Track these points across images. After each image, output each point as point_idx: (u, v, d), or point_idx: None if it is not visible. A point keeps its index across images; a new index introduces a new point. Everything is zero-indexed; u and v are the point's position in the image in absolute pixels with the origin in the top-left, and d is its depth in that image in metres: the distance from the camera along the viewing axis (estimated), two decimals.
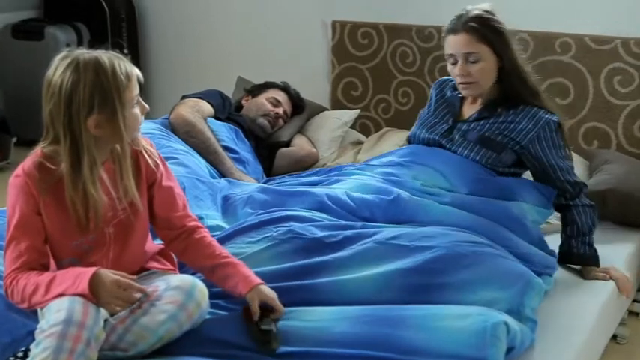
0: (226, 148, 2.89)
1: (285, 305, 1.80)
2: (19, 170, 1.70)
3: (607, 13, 3.25)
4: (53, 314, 1.56)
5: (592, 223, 2.32)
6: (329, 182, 2.45)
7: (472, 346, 1.68)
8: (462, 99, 2.42)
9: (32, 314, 1.72)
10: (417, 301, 1.84)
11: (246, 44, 4.24)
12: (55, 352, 1.52)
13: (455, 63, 2.29)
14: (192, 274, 1.87)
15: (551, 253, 2.26)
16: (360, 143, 3.50)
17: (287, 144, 3.27)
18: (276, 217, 2.15)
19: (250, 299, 1.76)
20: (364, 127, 3.79)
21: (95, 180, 1.68)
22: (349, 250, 2.00)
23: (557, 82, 3.27)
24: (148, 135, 2.22)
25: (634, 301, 2.68)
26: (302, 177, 2.67)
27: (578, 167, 2.60)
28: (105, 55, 1.67)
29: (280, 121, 3.28)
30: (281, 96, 3.32)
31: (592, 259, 2.32)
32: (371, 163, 2.54)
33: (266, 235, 2.08)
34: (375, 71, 3.75)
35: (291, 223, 2.11)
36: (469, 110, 2.39)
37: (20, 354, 1.66)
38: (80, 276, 1.60)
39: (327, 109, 3.71)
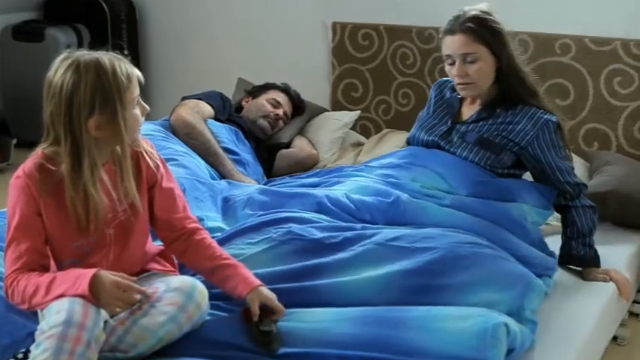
0: (226, 150, 2.89)
1: (285, 307, 1.80)
2: (19, 171, 1.70)
3: (607, 14, 3.25)
4: (53, 316, 1.56)
5: (592, 224, 2.32)
6: (329, 184, 2.45)
7: (472, 348, 1.68)
8: (461, 100, 2.42)
9: (32, 316, 1.72)
10: (417, 303, 1.84)
11: (246, 45, 4.24)
12: (55, 353, 1.51)
13: (452, 64, 2.29)
14: (193, 275, 1.87)
15: (551, 254, 2.26)
16: (360, 144, 3.50)
17: (287, 145, 3.27)
18: (275, 219, 2.15)
19: (250, 301, 1.76)
20: (364, 128, 3.79)
21: (96, 181, 1.69)
22: (349, 251, 2.00)
23: (558, 83, 3.27)
24: (148, 136, 2.23)
25: (634, 302, 2.68)
26: (302, 178, 2.67)
27: (579, 168, 2.59)
28: (105, 57, 1.67)
29: (280, 123, 3.28)
30: (281, 97, 3.32)
31: (592, 261, 2.32)
32: (370, 164, 2.54)
33: (266, 236, 2.08)
34: (376, 72, 3.75)
35: (291, 225, 2.11)
36: (468, 111, 2.39)
37: (20, 355, 1.66)
38: (80, 277, 1.60)
39: (328, 111, 3.71)
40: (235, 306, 1.83)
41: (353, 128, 3.64)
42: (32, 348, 1.57)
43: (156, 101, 4.25)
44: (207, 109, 3.02)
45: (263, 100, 3.26)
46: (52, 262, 1.74)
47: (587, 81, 3.24)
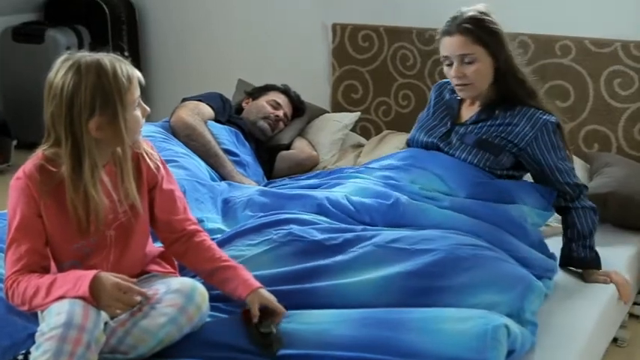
0: (227, 151, 2.89)
1: (285, 308, 1.80)
2: (19, 172, 1.70)
3: (607, 15, 3.25)
4: (53, 317, 1.56)
5: (593, 226, 2.31)
6: (328, 185, 2.45)
7: (473, 349, 1.67)
8: (461, 101, 2.42)
9: (32, 317, 1.72)
10: (417, 305, 1.84)
11: (246, 47, 4.24)
12: (55, 355, 1.51)
13: (450, 65, 2.29)
14: (193, 277, 1.87)
15: (551, 256, 2.25)
16: (360, 146, 3.50)
17: (287, 147, 3.27)
18: (276, 220, 2.15)
19: (250, 302, 1.76)
20: (364, 129, 3.79)
21: (96, 182, 1.69)
22: (349, 253, 2.00)
23: (558, 84, 3.27)
24: (148, 138, 2.22)
25: (635, 304, 2.68)
26: (302, 179, 2.67)
27: (579, 170, 2.59)
28: (106, 58, 1.67)
29: (281, 124, 3.28)
30: (281, 99, 3.32)
31: (593, 263, 2.31)
32: (370, 165, 2.54)
33: (266, 237, 2.08)
34: (376, 74, 3.75)
35: (292, 226, 2.11)
36: (467, 113, 2.39)
37: (20, 357, 1.66)
38: (81, 279, 1.60)
39: (328, 112, 3.71)
40: (235, 308, 1.83)
41: (353, 130, 3.64)
42: (32, 350, 1.57)
43: (156, 102, 4.25)
44: (208, 111, 3.02)
45: (263, 102, 3.27)
46: (52, 263, 1.74)
47: (588, 82, 3.24)
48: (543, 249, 2.24)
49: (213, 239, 2.02)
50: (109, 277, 1.62)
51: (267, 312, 1.76)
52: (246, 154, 2.98)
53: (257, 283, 1.80)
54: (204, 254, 1.85)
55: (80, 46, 4.38)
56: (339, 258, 1.98)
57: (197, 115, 2.94)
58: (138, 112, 1.73)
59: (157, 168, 1.84)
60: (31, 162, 1.71)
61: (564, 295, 2.19)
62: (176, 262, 1.95)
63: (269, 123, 3.21)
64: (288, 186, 2.59)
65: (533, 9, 3.36)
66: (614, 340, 2.55)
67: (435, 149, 2.40)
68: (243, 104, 3.34)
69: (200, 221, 2.15)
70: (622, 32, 3.18)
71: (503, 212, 2.21)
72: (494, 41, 2.25)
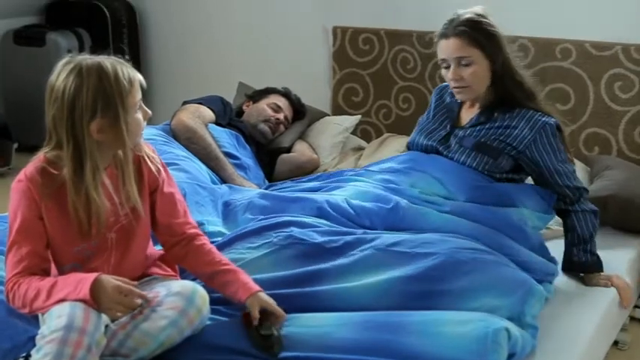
0: (227, 154, 2.89)
1: (286, 312, 1.80)
2: (21, 175, 1.71)
3: (607, 19, 3.25)
4: (54, 320, 1.56)
5: (593, 229, 2.30)
6: (329, 188, 2.45)
7: (473, 352, 1.67)
8: (461, 104, 2.42)
9: (33, 320, 1.72)
10: (418, 309, 1.84)
11: (247, 50, 4.25)
12: (56, 357, 1.51)
13: (448, 67, 2.29)
14: (193, 280, 1.87)
15: (552, 259, 2.25)
16: (361, 149, 3.50)
17: (288, 150, 3.27)
18: (276, 223, 2.15)
19: (250, 305, 1.76)
20: (365, 132, 3.79)
21: (97, 185, 1.69)
22: (350, 256, 2.00)
23: (558, 87, 3.28)
24: (149, 141, 2.22)
25: (635, 307, 2.68)
26: (303, 182, 2.67)
27: (579, 173, 2.59)
28: (107, 61, 1.68)
29: (281, 127, 3.28)
30: (282, 102, 3.32)
31: (594, 267, 2.30)
32: (370, 168, 2.54)
33: (266, 240, 2.08)
34: (376, 77, 3.75)
35: (292, 229, 2.11)
36: (467, 115, 2.39)
37: None
38: (81, 282, 1.60)
39: (328, 115, 3.71)
40: (236, 311, 1.83)
41: (354, 133, 3.64)
42: (33, 352, 1.57)
43: (157, 105, 4.26)
44: (208, 114, 3.02)
45: (264, 105, 3.27)
46: (52, 266, 1.75)
47: (588, 86, 3.25)
48: (544, 252, 2.24)
49: (213, 242, 2.03)
50: (110, 280, 1.62)
51: (267, 314, 1.76)
52: (246, 157, 2.98)
53: (257, 287, 1.80)
54: (204, 258, 1.85)
55: (81, 49, 4.39)
56: (339, 261, 1.98)
57: (198, 118, 2.94)
58: (139, 115, 1.73)
59: (158, 171, 1.84)
60: (32, 165, 1.71)
61: (565, 298, 2.19)
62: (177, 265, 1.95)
63: (270, 126, 3.21)
64: (288, 189, 2.59)
65: (533, 12, 3.36)
66: (615, 342, 2.55)
67: (435, 152, 2.40)
68: (244, 107, 3.34)
69: (201, 224, 2.15)
70: (622, 35, 3.18)
71: (503, 216, 2.20)
72: (491, 44, 2.24)
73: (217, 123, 3.03)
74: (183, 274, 1.94)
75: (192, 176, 2.56)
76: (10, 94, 4.61)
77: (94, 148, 1.67)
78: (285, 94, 3.37)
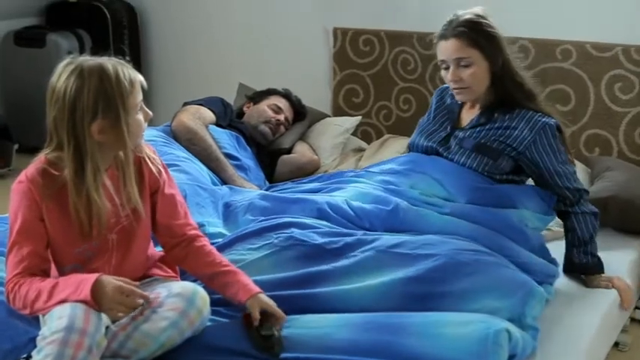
0: (228, 155, 2.89)
1: (286, 313, 1.80)
2: (22, 176, 1.71)
3: (608, 20, 3.25)
4: (55, 321, 1.56)
5: (593, 231, 2.29)
6: (329, 189, 2.45)
7: (474, 354, 1.67)
8: (461, 106, 2.42)
9: (34, 321, 1.72)
10: (418, 310, 1.84)
11: (247, 50, 4.25)
12: (57, 359, 1.51)
13: (447, 69, 2.28)
14: (194, 281, 1.87)
15: (552, 261, 2.25)
16: (361, 150, 3.50)
17: (288, 151, 3.27)
18: (277, 224, 2.15)
19: (251, 306, 1.76)
20: (365, 133, 3.80)
21: (99, 186, 1.69)
22: (350, 258, 2.00)
23: (558, 88, 3.28)
24: (149, 142, 2.23)
25: (636, 308, 2.67)
26: (304, 183, 2.67)
27: (580, 174, 2.59)
28: (109, 62, 1.68)
29: (282, 128, 3.28)
30: (282, 103, 3.32)
31: (595, 268, 2.30)
32: (371, 169, 2.54)
33: (267, 242, 2.08)
34: (377, 78, 3.75)
35: (292, 230, 2.11)
36: (467, 116, 2.39)
37: None
38: (83, 282, 1.60)
39: (329, 116, 3.71)
40: (236, 312, 1.83)
41: (354, 134, 3.64)
42: (34, 353, 1.57)
43: (157, 107, 4.26)
44: (209, 115, 3.02)
45: (264, 106, 3.27)
46: (53, 267, 1.75)
47: (588, 87, 3.25)
48: (544, 253, 2.24)
49: (214, 243, 2.03)
50: (111, 281, 1.62)
51: (267, 315, 1.76)
52: (247, 158, 2.98)
53: (257, 288, 1.80)
54: (204, 259, 1.85)
55: (82, 51, 4.39)
56: (340, 263, 1.98)
57: (198, 119, 2.94)
58: (140, 116, 1.73)
59: (159, 172, 1.84)
60: (33, 166, 1.71)
61: (566, 299, 2.19)
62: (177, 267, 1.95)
63: (270, 127, 3.21)
64: (289, 190, 2.59)
65: (533, 13, 3.37)
66: (616, 344, 2.55)
67: (435, 154, 2.40)
68: (245, 108, 3.34)
69: (201, 225, 2.15)
70: (623, 36, 3.18)
71: (503, 217, 2.20)
72: (490, 44, 2.24)
73: (218, 124, 3.03)
74: (184, 276, 1.94)
75: (192, 177, 2.56)
76: (10, 95, 4.61)
77: (94, 149, 1.67)
78: (286, 95, 3.37)
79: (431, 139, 2.43)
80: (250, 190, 2.64)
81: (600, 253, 2.32)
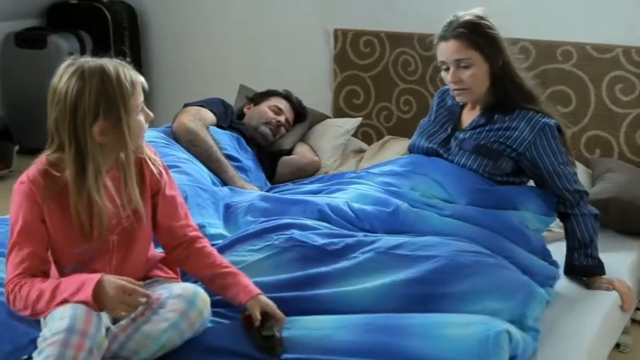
0: (228, 156, 2.89)
1: (287, 315, 1.80)
2: (23, 177, 1.71)
3: (608, 21, 3.25)
4: (56, 322, 1.55)
5: (593, 232, 2.28)
6: (329, 191, 2.45)
7: (475, 355, 1.67)
8: (462, 107, 2.42)
9: (34, 322, 1.71)
10: (419, 312, 1.83)
11: (248, 52, 4.25)
12: None
13: (447, 70, 2.29)
14: (195, 282, 1.87)
15: (553, 263, 2.25)
16: (362, 151, 3.50)
17: (289, 152, 3.28)
18: (277, 225, 2.15)
19: (251, 307, 1.76)
20: (366, 135, 3.80)
21: (100, 187, 1.69)
22: (351, 259, 2.00)
23: (559, 90, 3.28)
24: (150, 143, 2.22)
25: (637, 309, 2.67)
26: (305, 184, 2.67)
27: (581, 175, 2.59)
28: (110, 63, 1.68)
29: (282, 129, 3.28)
30: (283, 104, 3.32)
31: (595, 270, 2.29)
32: (371, 170, 2.53)
33: (267, 243, 2.08)
34: (377, 79, 3.75)
35: (293, 231, 2.11)
36: (468, 118, 2.38)
37: None
38: (85, 282, 1.60)
39: (329, 117, 3.72)
40: (237, 313, 1.83)
41: (355, 135, 3.64)
42: (34, 355, 1.57)
43: (157, 107, 4.26)
44: (209, 116, 3.02)
45: (265, 107, 3.27)
46: (53, 268, 1.74)
47: (589, 88, 3.25)
48: (545, 255, 2.24)
49: (214, 245, 2.03)
50: (114, 280, 1.62)
51: (267, 316, 1.76)
52: (247, 160, 2.98)
53: (257, 290, 1.80)
54: (204, 260, 1.85)
55: (82, 52, 4.39)
56: (340, 264, 1.98)
57: (199, 120, 2.94)
58: (141, 118, 1.74)
59: (160, 174, 1.84)
60: (34, 167, 1.71)
61: (567, 301, 2.19)
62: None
63: (271, 128, 3.22)
64: (290, 191, 2.59)
65: (534, 14, 3.37)
66: (617, 345, 2.55)
67: (435, 155, 2.40)
68: (245, 110, 3.34)
69: (202, 227, 2.15)
70: (623, 38, 3.18)
71: (503, 219, 2.20)
72: (490, 46, 2.24)
73: (218, 125, 3.03)
74: (185, 277, 1.94)
75: (193, 179, 2.56)
76: (11, 97, 4.61)
77: (96, 150, 1.67)
78: (287, 96, 3.37)
79: (431, 140, 2.43)
80: (251, 192, 2.64)
81: (601, 255, 2.32)
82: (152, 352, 1.67)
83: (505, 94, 2.30)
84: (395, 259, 1.98)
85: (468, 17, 2.25)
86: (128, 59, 1.74)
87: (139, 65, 4.45)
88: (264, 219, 2.25)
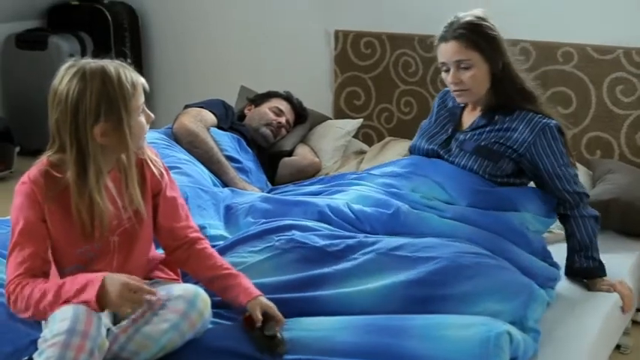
0: (229, 158, 2.89)
1: (287, 316, 1.80)
2: (25, 177, 1.71)
3: (609, 22, 3.25)
4: (57, 324, 1.55)
5: (593, 235, 2.28)
6: (330, 192, 2.45)
7: (475, 356, 1.67)
8: (463, 108, 2.42)
9: (35, 323, 1.72)
10: (420, 313, 1.83)
11: (248, 54, 4.25)
12: None
13: (447, 71, 2.28)
14: (195, 283, 1.87)
15: (554, 264, 2.24)
16: (362, 153, 3.51)
17: (290, 153, 3.28)
18: (278, 226, 2.15)
19: (252, 308, 1.76)
20: (367, 136, 3.80)
21: (101, 188, 1.69)
22: (351, 260, 1.99)
23: (560, 91, 3.28)
24: (151, 144, 2.22)
25: (638, 310, 2.67)
26: (306, 185, 2.67)
27: (581, 176, 2.59)
28: (111, 64, 1.68)
29: (283, 131, 3.28)
30: (284, 105, 3.32)
31: (596, 272, 2.29)
32: (372, 172, 2.53)
33: (268, 244, 2.08)
34: (378, 81, 3.75)
35: (294, 232, 2.11)
36: (469, 119, 2.38)
37: None
38: (89, 282, 1.60)
39: (330, 119, 3.72)
40: (238, 314, 1.83)
41: (355, 136, 3.64)
42: (35, 356, 1.57)
43: (158, 109, 4.26)
44: (210, 118, 3.02)
45: (265, 109, 3.27)
46: (53, 268, 1.74)
47: (590, 89, 3.25)
48: (546, 256, 2.23)
49: (215, 246, 2.03)
50: (119, 277, 1.62)
51: (268, 317, 1.76)
52: (248, 161, 2.99)
53: (257, 291, 1.80)
54: (205, 262, 1.85)
55: (83, 53, 4.39)
56: (341, 266, 1.98)
57: (200, 121, 2.95)
58: (142, 119, 1.74)
59: (161, 174, 1.84)
60: (36, 168, 1.71)
61: (567, 302, 2.19)
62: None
63: (271, 130, 3.22)
64: (290, 192, 2.59)
65: (534, 15, 3.37)
66: (618, 347, 2.54)
67: (436, 156, 2.40)
68: (246, 111, 3.34)
69: (202, 228, 2.15)
70: (624, 39, 3.18)
71: (504, 221, 2.20)
72: (490, 47, 2.24)
73: (219, 127, 3.03)
74: (185, 278, 1.94)
75: (194, 180, 2.56)
76: (12, 98, 4.62)
77: (97, 151, 1.67)
78: (287, 97, 3.37)
79: (432, 141, 2.43)
80: (251, 193, 2.64)
81: (602, 256, 2.32)
82: (152, 353, 1.67)
83: (506, 96, 2.29)
84: (395, 261, 1.97)
85: (468, 18, 2.25)
86: (129, 60, 1.75)
87: (139, 66, 4.44)
88: (264, 220, 2.25)
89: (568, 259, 2.32)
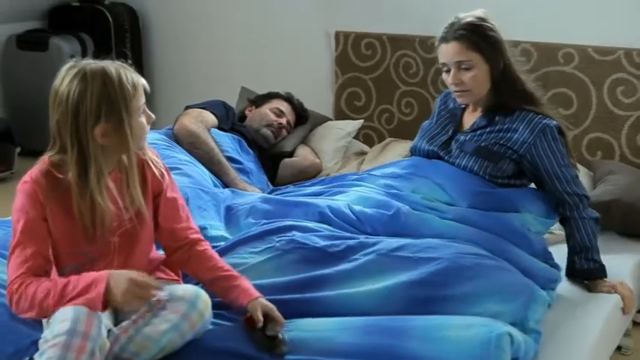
0: (230, 159, 2.90)
1: (288, 317, 1.80)
2: (26, 177, 1.71)
3: (610, 23, 3.25)
4: (57, 324, 1.55)
5: (593, 236, 2.27)
6: (331, 193, 2.45)
7: (476, 357, 1.67)
8: (464, 109, 2.42)
9: (36, 324, 1.72)
10: (421, 314, 1.83)
11: (249, 54, 4.25)
12: None
13: (448, 71, 2.28)
14: (196, 284, 1.87)
15: (554, 265, 2.24)
16: (363, 153, 3.51)
17: (290, 154, 3.28)
18: (278, 227, 2.15)
19: (252, 308, 1.77)
20: (367, 137, 3.80)
21: (102, 189, 1.69)
22: (352, 261, 1.99)
23: (561, 92, 3.28)
24: (152, 145, 2.23)
25: (639, 312, 2.67)
26: (306, 186, 2.67)
27: (582, 177, 2.59)
28: (111, 65, 1.68)
29: (284, 132, 3.28)
30: (284, 106, 3.32)
31: (596, 273, 2.29)
32: (373, 172, 2.53)
33: (269, 245, 2.08)
34: (379, 82, 3.75)
35: (294, 233, 2.11)
36: (469, 120, 2.38)
37: None
38: (95, 280, 1.60)
39: (331, 120, 3.72)
40: (238, 315, 1.83)
41: (356, 137, 3.65)
42: (36, 357, 1.57)
43: (159, 109, 4.26)
44: (211, 118, 3.03)
45: (266, 109, 3.27)
46: (53, 268, 1.74)
47: (591, 90, 3.25)
48: (547, 257, 2.23)
49: (216, 247, 2.03)
50: (125, 274, 1.62)
51: (268, 318, 1.76)
52: (249, 162, 2.99)
53: (257, 293, 1.80)
54: (205, 263, 1.85)
55: (84, 54, 4.40)
56: (341, 266, 1.98)
57: (200, 122, 2.95)
58: (143, 119, 1.74)
59: (162, 175, 1.85)
60: (37, 167, 1.71)
61: (568, 303, 2.19)
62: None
63: (272, 131, 3.22)
64: (291, 193, 2.59)
65: (535, 16, 3.37)
66: (619, 348, 2.54)
67: (436, 157, 2.40)
68: (247, 112, 3.35)
69: (203, 228, 2.15)
70: (625, 40, 3.18)
71: (505, 222, 2.19)
72: (491, 47, 2.23)
73: (220, 127, 3.03)
74: (186, 279, 1.94)
75: (195, 181, 2.56)
76: (13, 99, 4.62)
77: (98, 152, 1.68)
78: (288, 98, 3.37)
79: (432, 142, 2.43)
80: (252, 194, 2.64)
81: (603, 257, 2.31)
82: (153, 353, 1.68)
83: (506, 96, 2.29)
84: (396, 261, 1.97)
85: (469, 19, 2.25)
86: (129, 61, 1.75)
87: (140, 67, 4.45)
88: (265, 221, 2.25)
89: (568, 260, 2.32)
